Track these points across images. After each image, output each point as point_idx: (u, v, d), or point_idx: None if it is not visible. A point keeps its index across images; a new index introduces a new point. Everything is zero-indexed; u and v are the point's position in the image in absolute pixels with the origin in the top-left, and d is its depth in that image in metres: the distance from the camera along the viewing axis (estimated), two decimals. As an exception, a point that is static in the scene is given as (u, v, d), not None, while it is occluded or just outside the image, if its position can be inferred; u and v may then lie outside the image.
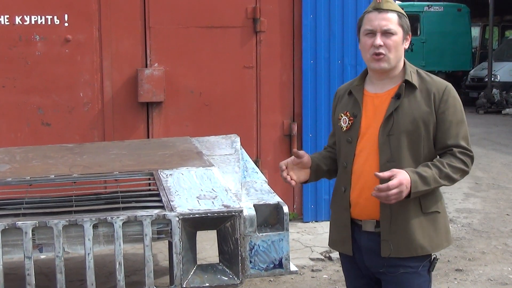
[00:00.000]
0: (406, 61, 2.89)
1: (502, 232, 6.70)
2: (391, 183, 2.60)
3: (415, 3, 22.52)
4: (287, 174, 2.90)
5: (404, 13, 2.86)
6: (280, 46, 6.63)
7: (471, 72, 21.28)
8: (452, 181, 2.76)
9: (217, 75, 6.50)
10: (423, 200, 2.78)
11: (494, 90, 19.16)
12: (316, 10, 6.60)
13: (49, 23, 6.06)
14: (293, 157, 2.93)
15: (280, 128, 6.70)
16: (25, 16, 6.01)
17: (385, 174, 2.64)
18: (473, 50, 23.12)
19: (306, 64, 6.63)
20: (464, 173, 2.79)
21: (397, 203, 2.73)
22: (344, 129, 2.89)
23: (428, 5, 21.38)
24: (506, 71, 19.87)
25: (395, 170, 2.65)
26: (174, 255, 3.32)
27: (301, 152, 2.92)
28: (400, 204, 2.73)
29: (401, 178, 2.62)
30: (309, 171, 2.96)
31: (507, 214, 7.41)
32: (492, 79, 19.38)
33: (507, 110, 18.55)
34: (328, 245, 3.11)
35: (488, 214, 7.42)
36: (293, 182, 2.90)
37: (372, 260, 2.86)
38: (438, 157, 2.83)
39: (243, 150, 4.84)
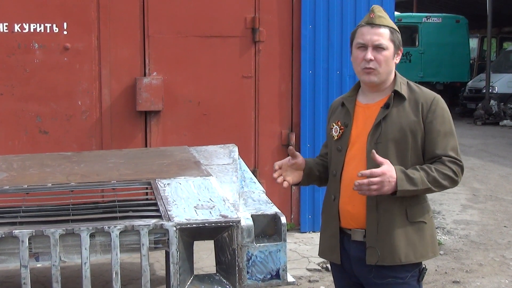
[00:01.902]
0: (397, 73, 2.96)
1: (500, 244, 6.69)
2: (374, 170, 2.67)
3: (414, 14, 22.61)
4: (279, 175, 2.94)
5: (397, 29, 2.92)
6: (279, 56, 6.64)
7: (469, 83, 21.33)
8: (439, 186, 2.79)
9: (216, 84, 6.50)
10: (409, 209, 2.82)
11: (492, 102, 19.21)
12: (315, 21, 6.61)
13: (48, 31, 6.06)
14: (288, 158, 2.98)
15: (278, 138, 6.70)
16: (24, 24, 6.01)
17: (379, 158, 2.69)
18: (471, 62, 23.19)
19: (305, 74, 6.64)
20: (452, 181, 2.81)
21: (384, 211, 2.79)
22: (335, 138, 2.96)
23: (426, 16, 21.45)
24: (504, 82, 19.91)
25: (387, 161, 2.71)
26: (171, 265, 3.31)
27: (297, 153, 2.98)
28: (387, 212, 2.79)
29: (386, 169, 2.67)
30: (302, 173, 3.01)
31: (505, 226, 7.41)
32: (490, 90, 19.42)
33: (505, 122, 18.59)
34: (318, 254, 3.13)
35: (485, 226, 7.41)
36: (285, 184, 2.95)
37: (361, 269, 2.89)
38: None
39: (241, 159, 4.83)
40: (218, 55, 6.48)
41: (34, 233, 3.23)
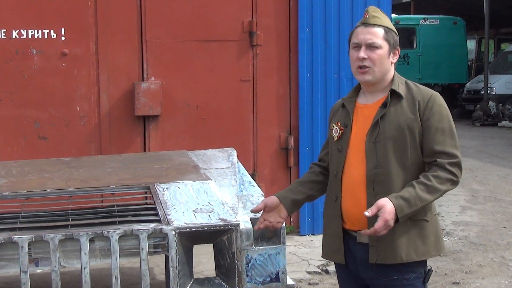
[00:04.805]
0: (396, 73, 2.96)
1: (499, 245, 6.69)
2: (377, 226, 2.65)
3: (411, 16, 22.64)
4: (268, 222, 3.01)
5: (393, 28, 2.93)
6: (276, 59, 6.65)
7: (467, 84, 21.35)
8: (441, 192, 2.77)
9: (214, 88, 6.51)
10: None
11: (490, 103, 19.23)
12: (312, 24, 6.63)
13: (46, 37, 6.07)
14: (260, 207, 3.05)
15: (276, 141, 6.70)
16: (22, 30, 6.02)
17: (372, 210, 2.66)
18: (469, 63, 23.21)
19: (303, 77, 6.65)
20: (452, 182, 2.80)
21: None
22: (335, 138, 2.99)
23: (424, 18, 21.48)
24: (502, 83, 19.94)
25: (379, 203, 2.68)
26: (171, 269, 3.31)
27: (258, 207, 3.04)
28: None
29: (385, 216, 2.65)
30: (282, 206, 3.04)
31: (504, 227, 7.41)
32: (488, 91, 19.45)
33: (503, 123, 18.61)
34: (321, 255, 3.13)
35: (485, 227, 7.41)
36: (279, 225, 3.03)
37: (366, 271, 2.89)
38: (425, 165, 2.86)
39: (239, 163, 4.83)
40: (216, 59, 6.49)
41: (33, 239, 3.23)
